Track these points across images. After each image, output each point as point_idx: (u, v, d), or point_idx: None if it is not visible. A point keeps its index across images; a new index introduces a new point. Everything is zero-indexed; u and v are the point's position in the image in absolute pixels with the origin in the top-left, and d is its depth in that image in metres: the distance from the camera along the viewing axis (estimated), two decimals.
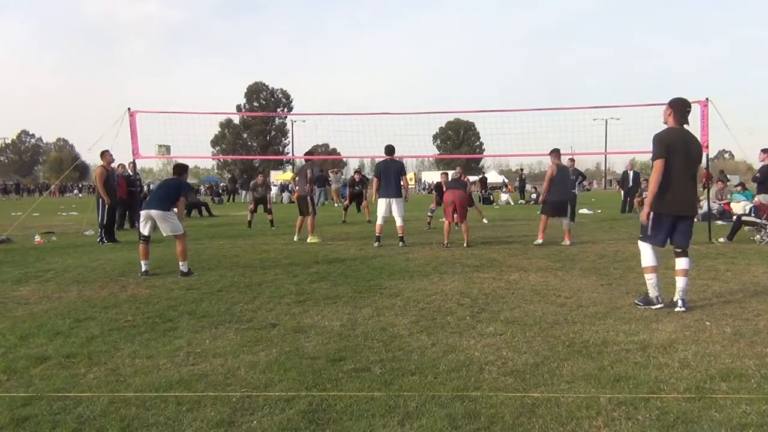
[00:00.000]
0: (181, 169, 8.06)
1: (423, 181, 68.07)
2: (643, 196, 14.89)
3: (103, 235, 11.27)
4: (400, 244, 10.05)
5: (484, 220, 15.16)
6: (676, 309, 5.02)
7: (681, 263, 5.11)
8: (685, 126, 5.11)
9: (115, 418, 2.95)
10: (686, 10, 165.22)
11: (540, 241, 9.93)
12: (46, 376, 3.60)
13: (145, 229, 7.31)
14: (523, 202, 29.09)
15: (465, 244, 9.92)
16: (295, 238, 11.12)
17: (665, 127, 5.12)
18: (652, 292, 5.13)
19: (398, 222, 10.19)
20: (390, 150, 10.44)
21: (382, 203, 10.25)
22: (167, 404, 3.11)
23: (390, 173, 10.22)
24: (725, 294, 5.76)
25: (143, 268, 7.26)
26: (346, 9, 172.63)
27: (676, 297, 5.09)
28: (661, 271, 7.00)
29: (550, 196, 10.17)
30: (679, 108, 5.06)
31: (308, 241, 10.84)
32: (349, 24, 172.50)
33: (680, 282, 5.08)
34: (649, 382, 3.35)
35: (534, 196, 29.29)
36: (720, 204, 15.06)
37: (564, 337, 4.28)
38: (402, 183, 10.29)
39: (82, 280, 7.04)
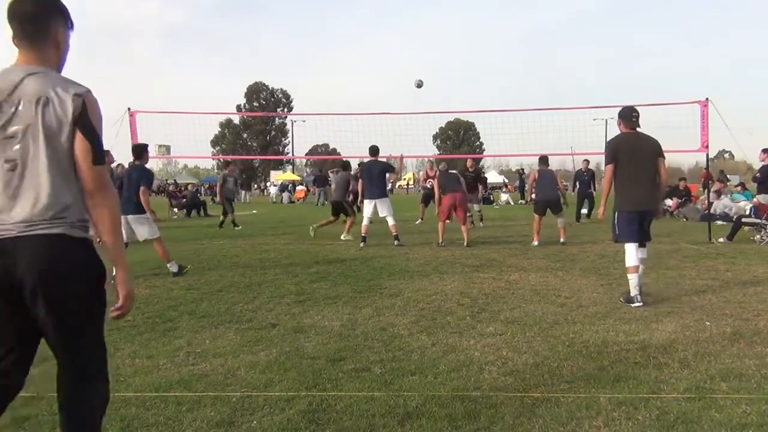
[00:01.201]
0: (138, 151, 7.41)
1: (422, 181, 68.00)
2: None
3: None
4: (396, 243, 10.07)
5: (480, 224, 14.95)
6: (633, 305, 5.19)
7: (641, 255, 5.38)
8: (637, 129, 5.50)
9: (115, 418, 2.94)
10: (686, 10, 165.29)
11: (536, 243, 9.96)
12: (46, 376, 3.59)
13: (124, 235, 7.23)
14: (523, 202, 29.07)
15: (465, 244, 9.93)
16: (344, 237, 11.15)
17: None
18: (633, 291, 5.27)
19: (389, 221, 10.25)
20: (374, 151, 10.52)
21: (368, 204, 10.32)
22: (167, 404, 3.11)
23: (374, 174, 10.27)
24: (725, 294, 5.76)
25: (173, 269, 7.20)
26: (346, 9, 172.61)
27: (632, 293, 5.27)
28: (662, 271, 7.00)
29: (536, 196, 10.71)
30: (626, 115, 5.51)
31: (342, 237, 11.07)
32: (349, 24, 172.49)
33: (637, 278, 5.28)
34: (649, 382, 3.35)
35: (534, 196, 29.32)
36: (733, 204, 14.67)
37: (564, 337, 4.28)
38: (388, 178, 10.55)
39: None
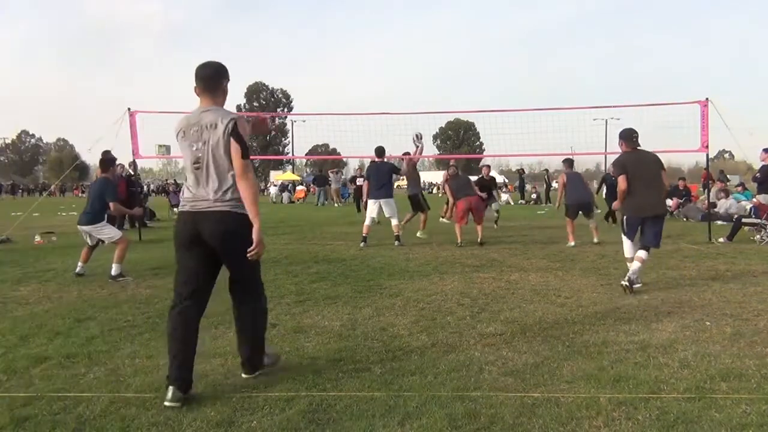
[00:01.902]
0: (104, 165, 7.51)
1: (423, 181, 67.98)
2: None
3: None
4: (396, 243, 10.11)
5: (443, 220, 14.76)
6: (622, 282, 5.83)
7: (641, 254, 6.02)
8: (638, 148, 6.31)
9: (115, 418, 2.95)
10: (686, 10, 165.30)
11: (572, 243, 9.90)
12: (46, 376, 3.60)
13: (87, 240, 7.27)
14: (523, 202, 29.08)
15: (479, 241, 10.07)
16: (419, 234, 11.20)
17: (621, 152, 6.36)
18: (631, 276, 5.85)
19: (393, 222, 10.29)
20: (380, 152, 10.56)
21: (372, 205, 10.37)
22: None
23: (380, 175, 10.30)
24: (725, 294, 5.76)
25: (77, 269, 7.23)
26: (346, 9, 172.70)
27: (627, 276, 5.87)
28: (662, 271, 7.02)
29: (568, 200, 10.54)
30: (627, 136, 6.31)
31: (418, 235, 11.15)
32: (350, 24, 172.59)
33: (635, 265, 5.93)
34: (649, 382, 3.35)
35: (534, 196, 29.31)
36: (737, 204, 14.58)
37: (564, 337, 4.28)
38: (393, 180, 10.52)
39: (82, 280, 7.03)
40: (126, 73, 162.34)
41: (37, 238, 11.42)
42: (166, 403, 3.04)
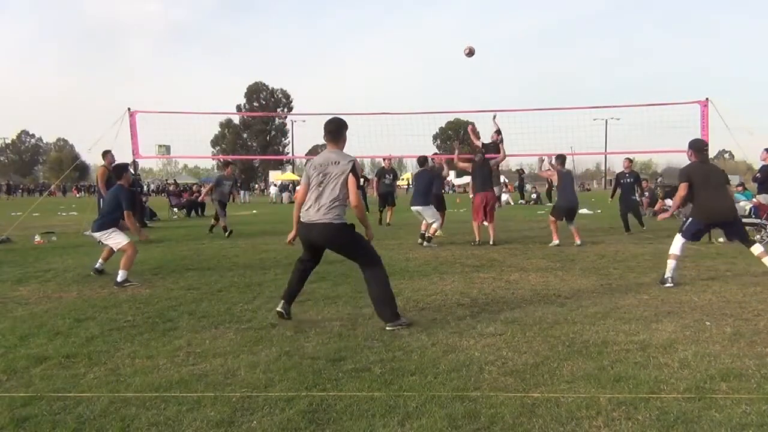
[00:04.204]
0: (118, 172, 7.56)
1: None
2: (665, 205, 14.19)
3: None
4: (424, 243, 10.19)
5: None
6: (665, 285, 6.14)
7: (755, 250, 6.39)
8: (707, 161, 6.57)
9: (115, 418, 2.95)
10: (686, 10, 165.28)
11: (557, 242, 9.91)
12: (46, 376, 3.60)
13: (100, 245, 7.36)
14: (523, 202, 29.09)
15: (491, 242, 10.12)
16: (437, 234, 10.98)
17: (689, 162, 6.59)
18: (668, 274, 6.23)
19: (434, 225, 10.39)
20: (422, 162, 10.88)
21: (414, 210, 10.54)
22: (167, 404, 3.11)
23: (420, 183, 10.54)
24: (725, 294, 5.76)
25: (96, 265, 7.36)
26: (346, 9, 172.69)
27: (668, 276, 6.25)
28: (662, 271, 7.01)
29: (560, 201, 10.47)
30: (699, 148, 6.54)
31: (437, 234, 11.16)
32: (350, 24, 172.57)
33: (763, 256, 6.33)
34: (649, 382, 3.35)
35: (534, 196, 29.32)
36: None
37: (564, 337, 4.28)
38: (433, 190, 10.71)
39: (82, 280, 7.04)
40: (126, 73, 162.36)
41: (37, 238, 11.42)
42: (277, 309, 4.81)
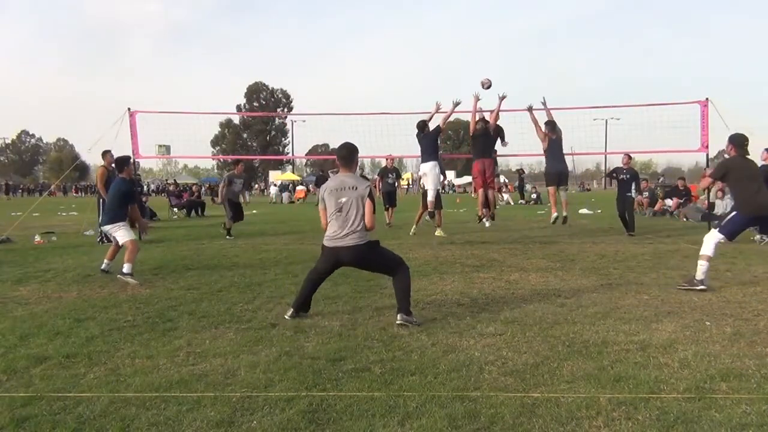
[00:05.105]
0: (120, 165, 7.56)
1: (422, 181, 67.81)
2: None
3: (103, 235, 11.25)
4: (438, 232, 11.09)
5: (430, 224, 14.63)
6: (697, 288, 5.91)
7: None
8: (747, 156, 6.39)
9: (115, 418, 2.95)
10: (686, 10, 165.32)
11: (555, 214, 10.14)
12: (46, 376, 3.60)
13: (111, 237, 7.39)
14: (523, 202, 29.06)
15: (491, 213, 10.48)
16: (438, 233, 11.51)
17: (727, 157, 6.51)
18: (699, 276, 5.99)
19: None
20: (421, 126, 11.76)
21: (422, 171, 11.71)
22: (167, 404, 3.11)
23: (425, 144, 11.62)
24: (725, 294, 5.76)
25: (102, 266, 7.35)
26: (346, 9, 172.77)
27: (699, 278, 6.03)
28: (662, 271, 6.99)
29: (549, 167, 10.80)
30: (740, 143, 6.36)
31: (436, 234, 11.42)
32: (350, 24, 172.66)
33: None
34: (649, 382, 3.35)
35: (534, 195, 29.29)
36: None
37: (564, 337, 4.28)
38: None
39: (82, 280, 7.04)
40: (126, 73, 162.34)
41: (37, 238, 11.42)
42: (286, 317, 4.96)
